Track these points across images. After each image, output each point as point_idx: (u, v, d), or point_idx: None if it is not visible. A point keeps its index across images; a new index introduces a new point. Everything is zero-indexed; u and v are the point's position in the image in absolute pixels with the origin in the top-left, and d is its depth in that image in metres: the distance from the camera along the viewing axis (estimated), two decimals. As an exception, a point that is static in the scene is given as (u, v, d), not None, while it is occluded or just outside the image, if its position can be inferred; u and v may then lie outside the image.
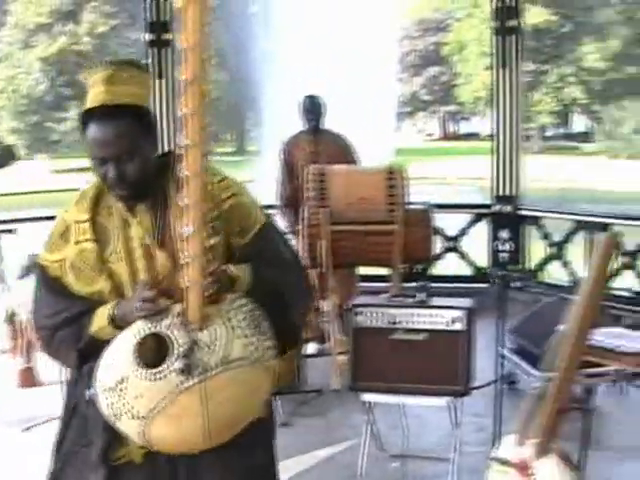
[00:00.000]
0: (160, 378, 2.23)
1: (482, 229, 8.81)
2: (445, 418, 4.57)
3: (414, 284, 4.68)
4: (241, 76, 32.44)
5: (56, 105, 40.01)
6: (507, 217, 8.68)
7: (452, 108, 49.03)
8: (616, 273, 8.06)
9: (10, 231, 8.26)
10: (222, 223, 2.42)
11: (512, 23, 8.52)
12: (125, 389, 2.25)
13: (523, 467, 3.41)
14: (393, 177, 5.56)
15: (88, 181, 2.60)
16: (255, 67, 29.32)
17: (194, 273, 2.25)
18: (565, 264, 8.30)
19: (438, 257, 8.73)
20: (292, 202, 6.77)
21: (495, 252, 8.69)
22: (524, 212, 8.69)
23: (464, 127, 52.18)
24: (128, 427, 2.31)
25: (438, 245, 8.59)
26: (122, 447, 2.43)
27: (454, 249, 8.86)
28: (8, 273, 7.77)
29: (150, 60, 8.77)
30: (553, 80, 44.35)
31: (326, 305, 5.82)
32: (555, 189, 31.46)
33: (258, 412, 2.43)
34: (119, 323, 2.39)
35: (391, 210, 5.49)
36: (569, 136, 49.01)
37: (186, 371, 2.21)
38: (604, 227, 7.94)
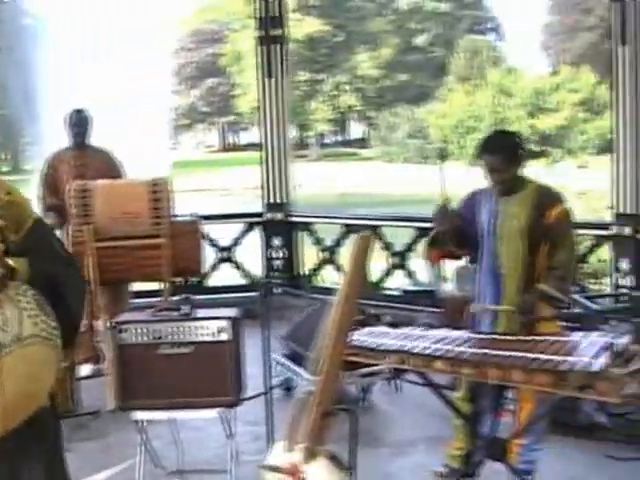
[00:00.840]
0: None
1: (256, 238, 8.85)
2: (222, 430, 4.54)
3: (177, 297, 4.63)
4: (18, 93, 31.13)
5: None
6: (279, 224, 8.75)
7: (231, 119, 49.37)
8: (387, 273, 8.36)
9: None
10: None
11: (276, 32, 8.59)
12: None
13: (294, 472, 3.44)
14: (157, 190, 5.49)
15: None
16: (33, 83, 28.27)
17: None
18: (338, 268, 8.47)
19: (213, 268, 8.72)
20: (58, 218, 6.53)
21: (269, 260, 8.75)
22: (295, 219, 8.80)
23: (244, 137, 52.55)
24: None
25: (212, 256, 8.57)
26: None
27: (228, 259, 8.84)
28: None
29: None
30: (329, 89, 45.68)
31: (99, 324, 5.67)
32: (335, 195, 32.36)
33: (47, 392, 2.56)
34: None
35: (157, 223, 5.43)
36: (347, 142, 50.55)
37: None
38: (374, 229, 8.19)
